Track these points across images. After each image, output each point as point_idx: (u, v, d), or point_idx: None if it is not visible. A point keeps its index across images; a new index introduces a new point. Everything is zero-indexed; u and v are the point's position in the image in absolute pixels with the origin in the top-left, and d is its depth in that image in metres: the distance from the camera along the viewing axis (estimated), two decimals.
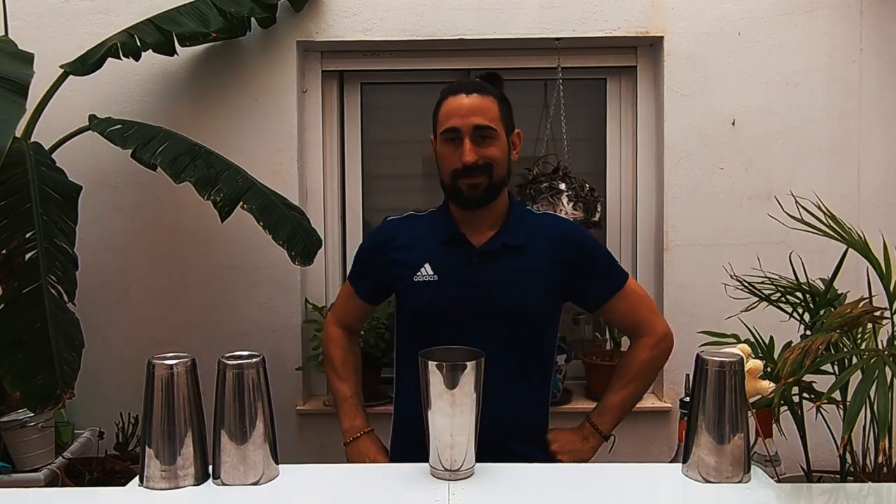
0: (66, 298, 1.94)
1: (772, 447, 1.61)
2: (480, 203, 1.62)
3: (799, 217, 1.82)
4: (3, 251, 1.97)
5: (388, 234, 1.73)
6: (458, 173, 1.59)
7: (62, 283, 1.93)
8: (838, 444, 1.59)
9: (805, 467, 1.88)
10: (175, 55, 2.31)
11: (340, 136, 2.71)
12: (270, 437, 1.32)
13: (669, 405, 2.51)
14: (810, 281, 1.91)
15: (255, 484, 1.29)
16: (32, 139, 2.18)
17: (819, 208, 1.81)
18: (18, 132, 1.93)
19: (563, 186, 2.31)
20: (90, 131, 2.18)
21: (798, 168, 2.46)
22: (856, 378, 1.39)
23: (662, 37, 2.46)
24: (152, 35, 2.21)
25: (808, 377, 1.59)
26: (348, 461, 1.76)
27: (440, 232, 1.67)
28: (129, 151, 2.05)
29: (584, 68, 2.61)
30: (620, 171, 2.66)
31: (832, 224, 1.80)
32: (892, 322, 1.74)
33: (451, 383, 1.28)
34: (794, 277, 1.93)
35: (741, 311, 1.94)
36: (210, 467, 1.33)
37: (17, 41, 2.02)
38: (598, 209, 2.36)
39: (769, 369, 1.68)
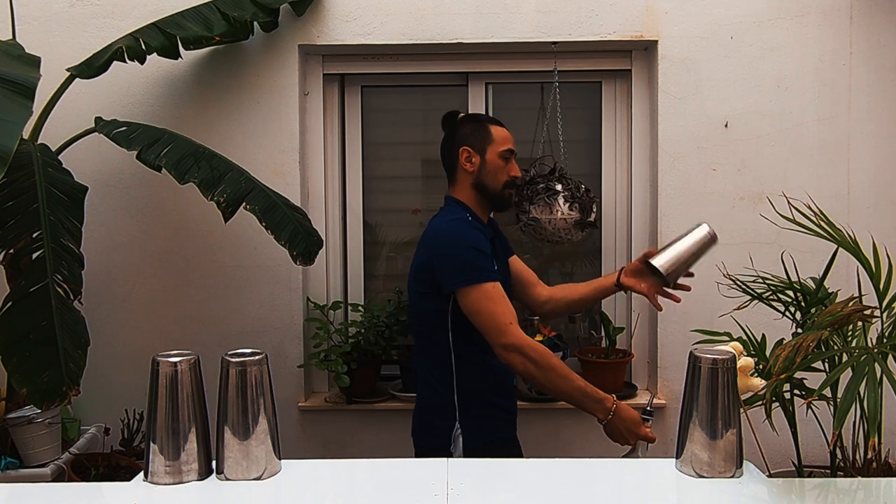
0: (72, 297, 1.96)
1: None
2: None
3: (790, 217, 1.85)
4: (11, 251, 1.98)
5: (483, 235, 1.94)
6: (508, 184, 2.02)
7: (68, 282, 1.95)
8: (829, 439, 1.62)
9: (796, 462, 1.91)
10: (179, 59, 2.32)
11: (341, 138, 2.73)
12: (273, 433, 1.34)
13: (664, 401, 2.54)
14: (801, 280, 1.94)
15: (258, 479, 1.32)
16: (39, 141, 2.20)
17: (810, 209, 1.83)
18: (26, 134, 1.95)
19: (559, 187, 2.33)
20: (96, 133, 2.21)
21: (789, 169, 2.48)
22: (846, 375, 1.42)
23: (657, 41, 2.48)
24: (157, 39, 2.23)
25: (799, 374, 1.61)
26: (618, 429, 1.82)
27: (489, 234, 1.99)
28: (135, 153, 2.06)
29: (579, 71, 2.62)
30: (615, 173, 2.68)
31: (823, 224, 1.82)
32: (882, 320, 1.77)
33: None
34: (785, 276, 1.96)
35: (734, 310, 1.97)
36: (213, 462, 1.35)
37: (25, 45, 2.05)
38: (594, 210, 2.38)
39: (761, 366, 1.70)
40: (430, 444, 1.98)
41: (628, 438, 1.81)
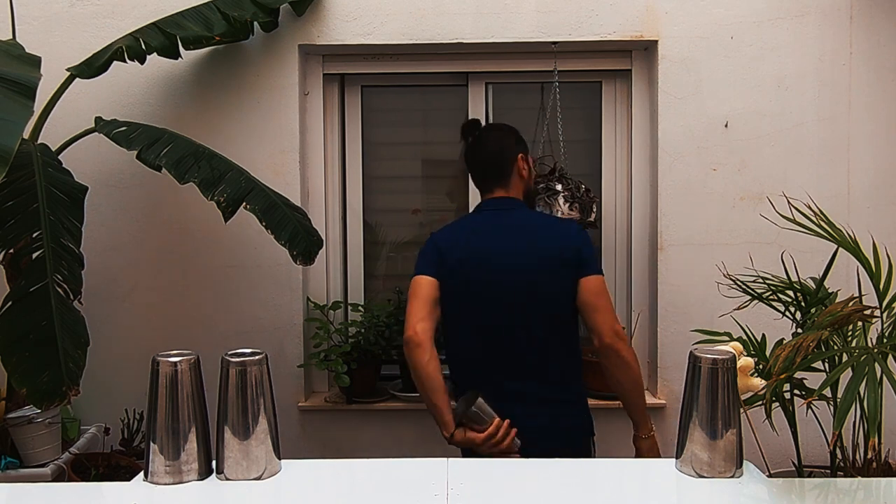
0: (72, 297, 1.96)
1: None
2: None
3: (790, 217, 1.85)
4: (11, 250, 1.98)
5: None
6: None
7: (68, 282, 1.95)
8: (829, 439, 1.62)
9: (796, 462, 1.91)
10: (179, 58, 2.32)
11: (341, 138, 2.73)
12: (273, 433, 1.34)
13: (664, 401, 2.54)
14: (802, 280, 1.94)
15: (258, 479, 1.32)
16: (40, 141, 2.20)
17: (810, 209, 1.83)
18: (26, 134, 1.94)
19: (559, 187, 2.33)
20: (96, 133, 2.20)
21: (789, 169, 2.48)
22: (846, 375, 1.42)
23: (657, 41, 2.48)
24: (157, 39, 2.23)
25: (799, 374, 1.61)
26: (655, 444, 1.96)
27: None
28: (135, 153, 2.06)
29: (579, 71, 2.62)
30: (615, 173, 2.68)
31: (823, 224, 1.82)
32: (882, 320, 1.77)
33: None
34: (785, 276, 1.96)
35: (734, 310, 1.97)
36: (213, 462, 1.35)
37: (25, 45, 2.05)
38: (594, 210, 2.38)
39: (761, 366, 1.70)
40: (586, 433, 1.99)
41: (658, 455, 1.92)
